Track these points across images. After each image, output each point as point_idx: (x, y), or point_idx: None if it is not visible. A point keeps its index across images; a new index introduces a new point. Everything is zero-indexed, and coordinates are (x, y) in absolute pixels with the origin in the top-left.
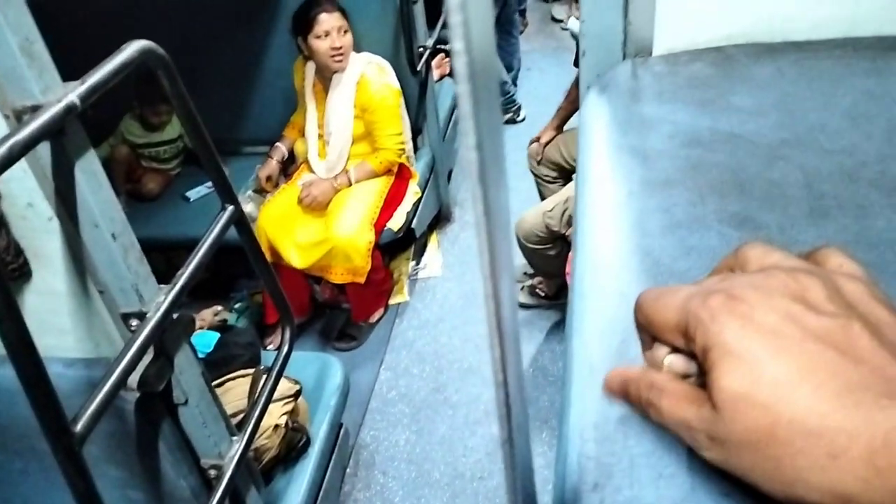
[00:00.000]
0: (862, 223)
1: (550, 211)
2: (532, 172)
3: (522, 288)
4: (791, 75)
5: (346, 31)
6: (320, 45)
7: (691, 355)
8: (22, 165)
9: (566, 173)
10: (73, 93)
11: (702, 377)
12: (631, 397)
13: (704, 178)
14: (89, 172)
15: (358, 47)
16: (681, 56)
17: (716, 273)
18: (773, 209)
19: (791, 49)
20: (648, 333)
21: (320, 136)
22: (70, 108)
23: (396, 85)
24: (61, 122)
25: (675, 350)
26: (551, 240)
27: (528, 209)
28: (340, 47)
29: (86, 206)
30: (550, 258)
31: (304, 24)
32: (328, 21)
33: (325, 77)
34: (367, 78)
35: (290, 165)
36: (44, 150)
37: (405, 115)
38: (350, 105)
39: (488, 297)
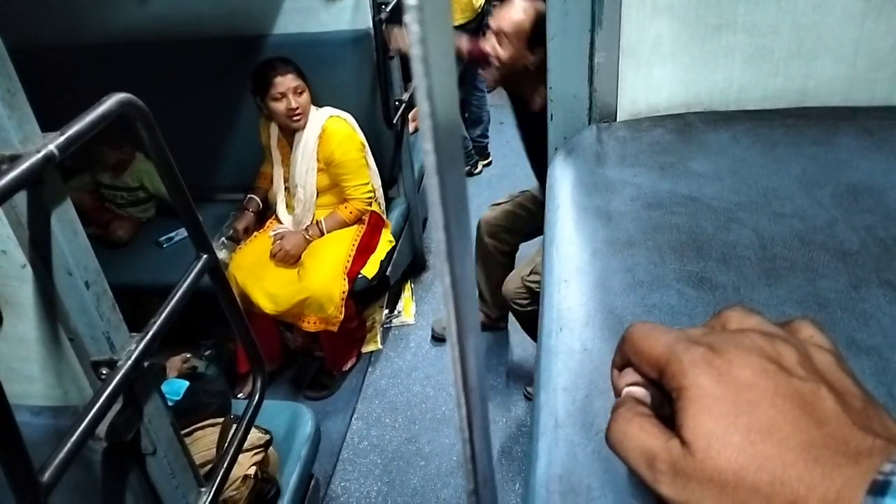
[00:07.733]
0: (812, 284)
1: (529, 276)
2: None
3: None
4: (745, 142)
5: (302, 91)
6: (278, 106)
7: (659, 389)
8: None
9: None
10: (52, 143)
11: (658, 411)
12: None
13: (665, 239)
14: (65, 221)
15: (334, 100)
16: (643, 122)
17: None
18: (728, 270)
19: (746, 117)
20: (625, 357)
21: (287, 190)
22: (48, 159)
23: (359, 136)
24: (39, 172)
25: (648, 380)
26: (536, 301)
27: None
28: (297, 108)
29: (60, 254)
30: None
31: (261, 86)
32: (283, 83)
33: (287, 134)
34: (329, 132)
35: (266, 212)
36: (20, 198)
37: (372, 164)
38: (313, 159)
39: (455, 360)
